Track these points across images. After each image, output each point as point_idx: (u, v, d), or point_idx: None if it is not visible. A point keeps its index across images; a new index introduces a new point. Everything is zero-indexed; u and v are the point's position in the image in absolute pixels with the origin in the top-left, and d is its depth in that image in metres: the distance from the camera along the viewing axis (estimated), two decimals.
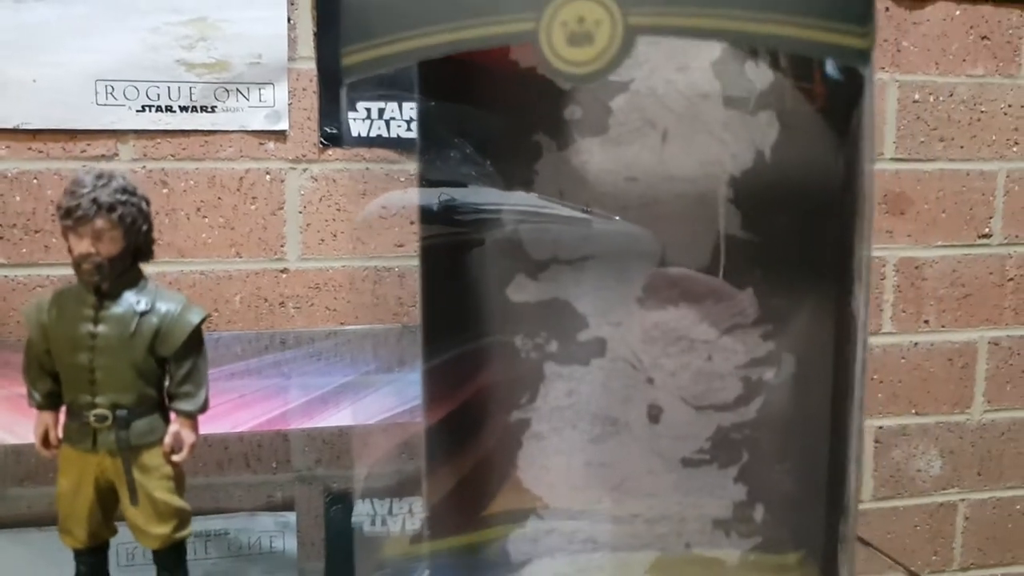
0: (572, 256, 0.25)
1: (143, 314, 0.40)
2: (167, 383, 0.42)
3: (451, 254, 0.28)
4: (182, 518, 0.43)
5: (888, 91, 1.03)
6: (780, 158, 0.24)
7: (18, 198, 0.83)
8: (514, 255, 0.25)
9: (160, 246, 0.86)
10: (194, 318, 0.41)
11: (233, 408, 0.91)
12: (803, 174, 0.24)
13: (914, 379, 1.07)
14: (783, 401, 0.25)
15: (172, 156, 0.86)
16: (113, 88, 0.83)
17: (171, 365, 0.41)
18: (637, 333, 0.25)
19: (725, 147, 0.24)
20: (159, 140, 0.85)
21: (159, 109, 0.84)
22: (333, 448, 0.91)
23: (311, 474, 0.91)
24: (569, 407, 0.26)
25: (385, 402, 0.93)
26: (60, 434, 0.42)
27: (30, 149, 0.83)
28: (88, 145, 0.84)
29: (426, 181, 0.28)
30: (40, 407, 0.42)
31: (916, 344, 1.07)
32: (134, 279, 0.41)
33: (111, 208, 0.39)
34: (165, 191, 0.86)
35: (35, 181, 0.83)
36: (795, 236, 0.24)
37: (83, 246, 0.39)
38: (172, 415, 0.42)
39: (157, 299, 0.41)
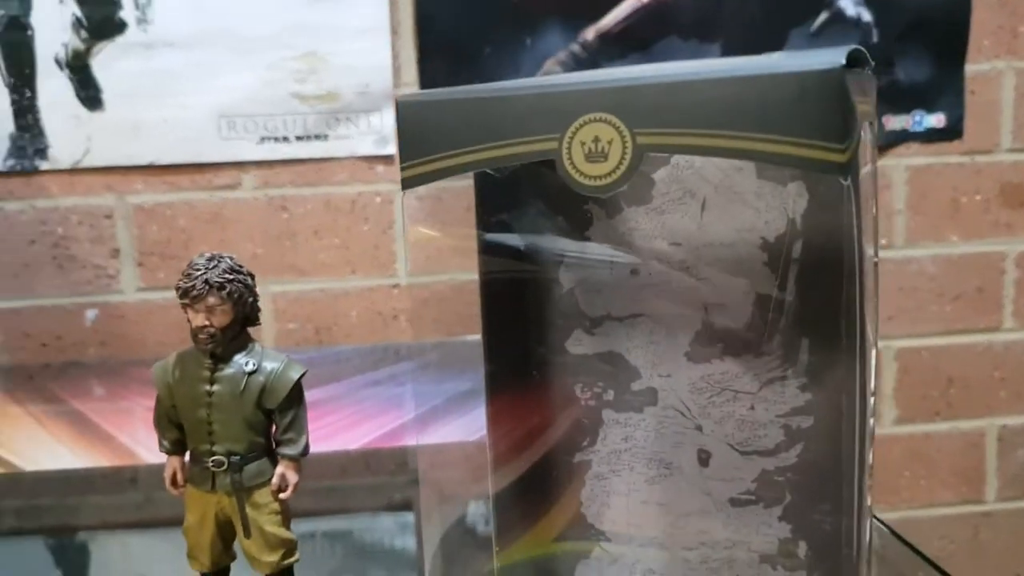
0: (623, 313, 0.27)
1: (251, 373, 0.46)
2: (274, 431, 0.47)
3: (513, 292, 0.31)
4: (289, 547, 0.48)
5: (1005, 79, 0.99)
6: (809, 224, 0.26)
7: (155, 228, 0.91)
8: (571, 312, 0.28)
9: (282, 267, 0.92)
10: (294, 375, 0.46)
11: (357, 421, 0.96)
12: (828, 239, 0.25)
13: None
14: (820, 447, 0.27)
15: (290, 183, 0.91)
16: (235, 123, 0.89)
17: (276, 416, 0.47)
18: (685, 384, 0.28)
19: (759, 215, 0.26)
20: (277, 169, 0.91)
21: (276, 140, 0.90)
22: (445, 454, 0.95)
23: (427, 477, 0.95)
24: (626, 451, 0.28)
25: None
26: (185, 476, 0.48)
27: (163, 183, 0.90)
28: (214, 176, 0.90)
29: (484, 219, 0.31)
30: (168, 453, 0.48)
31: None
32: (244, 343, 0.47)
33: (221, 287, 0.44)
34: (285, 216, 0.92)
35: (168, 212, 0.91)
36: (823, 295, 0.26)
37: (199, 320, 0.45)
38: (279, 459, 0.47)
39: (263, 359, 0.46)
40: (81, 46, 0.86)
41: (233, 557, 0.50)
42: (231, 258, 0.46)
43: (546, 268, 0.29)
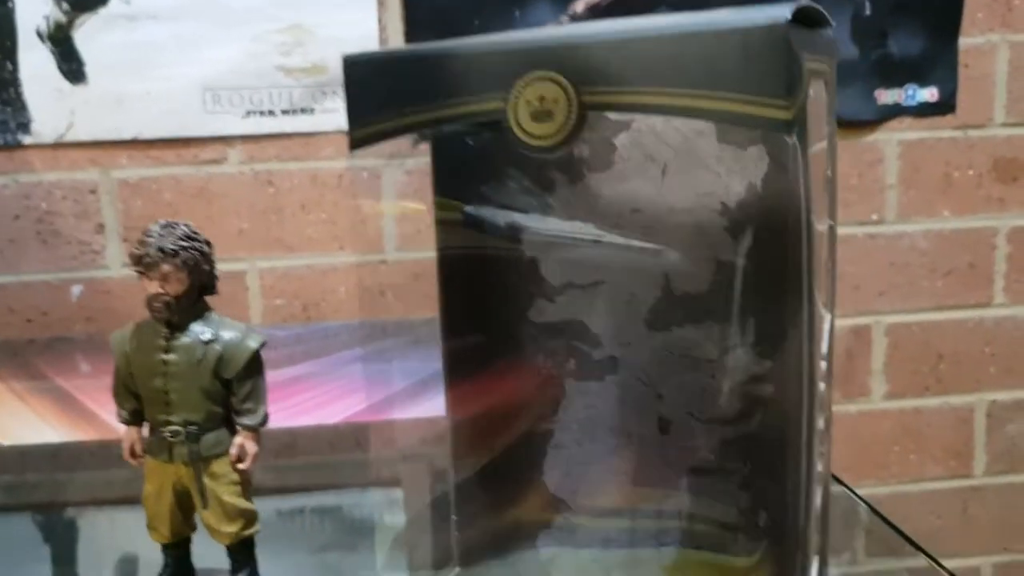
0: (585, 281, 0.27)
1: (208, 343, 0.45)
2: (232, 401, 0.46)
3: (471, 268, 0.31)
4: (248, 518, 0.48)
5: (998, 52, 0.99)
6: (769, 189, 0.25)
7: (140, 203, 0.90)
8: (533, 279, 0.28)
9: (269, 242, 0.92)
10: (252, 344, 0.46)
11: (343, 393, 0.96)
12: (788, 204, 0.25)
13: None
14: (779, 415, 0.27)
15: (276, 158, 0.91)
16: (219, 96, 0.88)
17: (234, 385, 0.46)
18: (646, 352, 0.27)
19: (720, 180, 0.25)
20: (263, 143, 0.90)
21: (262, 113, 0.89)
22: (435, 427, 0.95)
23: (415, 452, 0.95)
24: (588, 420, 0.28)
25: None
26: (143, 446, 0.48)
27: (148, 157, 0.89)
28: (199, 151, 0.90)
29: (441, 193, 0.31)
30: (126, 423, 0.48)
31: None
32: (200, 312, 0.46)
33: (175, 254, 0.44)
34: (271, 190, 0.91)
35: (154, 187, 0.90)
36: (781, 261, 0.25)
37: (153, 287, 0.44)
38: (238, 429, 0.47)
39: (220, 328, 0.46)
40: (63, 18, 0.85)
41: (193, 528, 0.50)
42: (187, 225, 0.46)
43: (507, 237, 0.29)
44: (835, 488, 0.73)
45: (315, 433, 0.92)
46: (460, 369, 0.32)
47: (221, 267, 0.91)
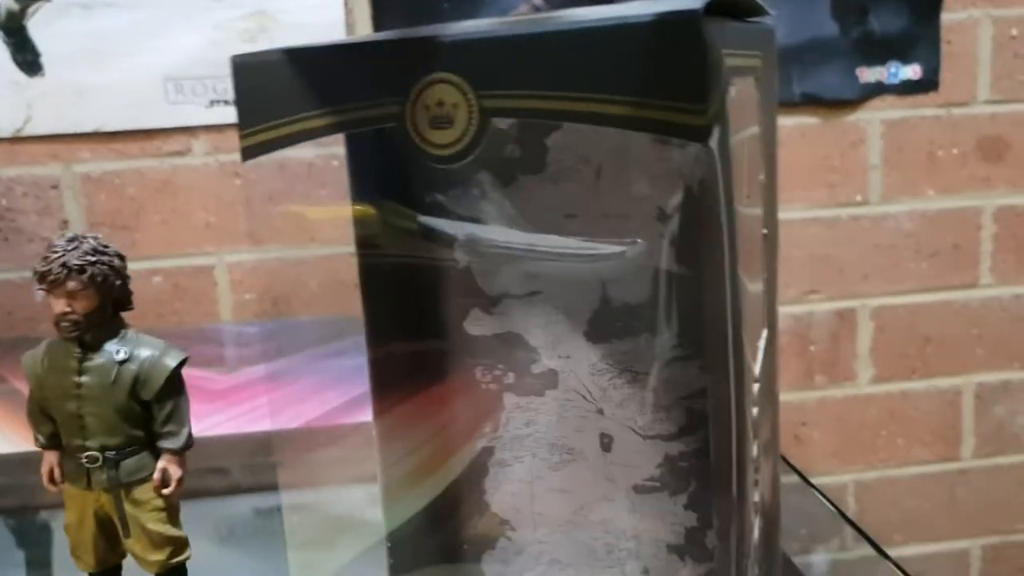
0: (521, 291, 0.25)
1: (123, 362, 0.43)
2: (152, 424, 0.44)
3: (398, 276, 0.29)
4: (177, 545, 0.46)
5: (981, 28, 0.96)
6: (709, 193, 0.23)
7: (104, 197, 0.88)
8: (468, 291, 0.26)
9: (237, 235, 0.89)
10: (171, 362, 0.44)
11: (320, 388, 0.94)
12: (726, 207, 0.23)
13: (1017, 332, 1.02)
14: (722, 431, 0.25)
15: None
16: (182, 86, 0.86)
17: (154, 407, 0.44)
18: (585, 365, 0.25)
19: (656, 183, 0.23)
20: (228, 133, 0.88)
21: (226, 103, 0.87)
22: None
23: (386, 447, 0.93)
24: (529, 436, 0.26)
25: None
26: (62, 472, 0.46)
27: (110, 150, 0.87)
28: (163, 143, 0.87)
29: (359, 198, 0.29)
30: (44, 448, 0.46)
31: (1018, 296, 1.01)
32: (115, 330, 0.44)
33: (81, 270, 0.41)
34: (238, 182, 0.89)
35: (117, 180, 0.88)
36: (721, 269, 0.23)
37: (59, 306, 0.42)
38: (161, 453, 0.45)
39: (136, 347, 0.43)
40: (15, 6, 0.82)
41: (122, 555, 0.47)
42: (95, 238, 0.43)
43: (437, 245, 0.27)
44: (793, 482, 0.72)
45: (291, 433, 0.90)
46: (388, 383, 0.30)
47: (189, 262, 0.89)
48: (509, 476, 0.27)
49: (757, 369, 0.25)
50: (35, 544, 0.71)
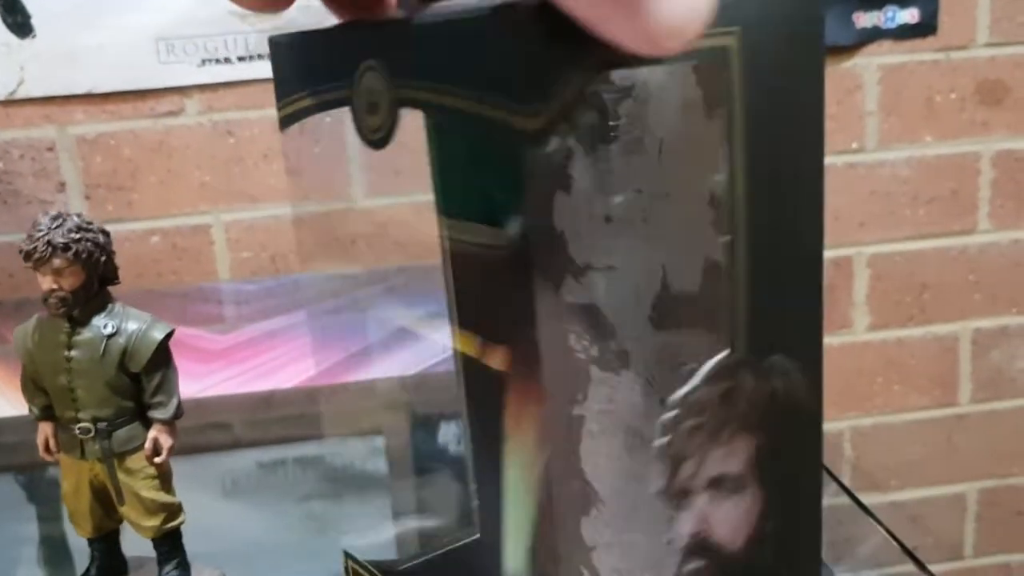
0: (600, 264, 0.25)
1: (111, 336, 0.44)
2: (142, 395, 0.45)
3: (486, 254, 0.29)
4: (171, 511, 0.47)
5: None
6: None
7: (99, 159, 0.88)
8: (559, 256, 0.26)
9: (232, 194, 0.90)
10: (158, 335, 0.45)
11: (318, 347, 0.95)
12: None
13: (1015, 277, 1.02)
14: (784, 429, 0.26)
15: (235, 106, 0.88)
16: (173, 46, 0.86)
17: (143, 379, 0.45)
18: (650, 352, 0.26)
19: (708, 163, 0.23)
20: (221, 92, 0.88)
21: (218, 61, 0.86)
22: (412, 378, 0.94)
23: (397, 400, 0.94)
24: (609, 412, 0.27)
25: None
26: (57, 443, 0.48)
27: (104, 112, 0.87)
28: (156, 103, 0.87)
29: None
30: (39, 419, 0.47)
31: (1016, 241, 1.01)
32: (102, 304, 0.45)
33: (66, 247, 0.42)
34: (231, 141, 0.89)
35: (112, 142, 0.88)
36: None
37: (47, 283, 0.43)
38: (152, 422, 0.46)
39: (124, 321, 0.44)
40: None
41: (119, 521, 0.49)
42: (78, 216, 0.44)
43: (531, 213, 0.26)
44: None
45: (292, 391, 0.91)
46: (475, 339, 0.31)
47: (185, 222, 0.90)
48: (598, 448, 0.27)
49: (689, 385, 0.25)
50: (45, 499, 0.73)
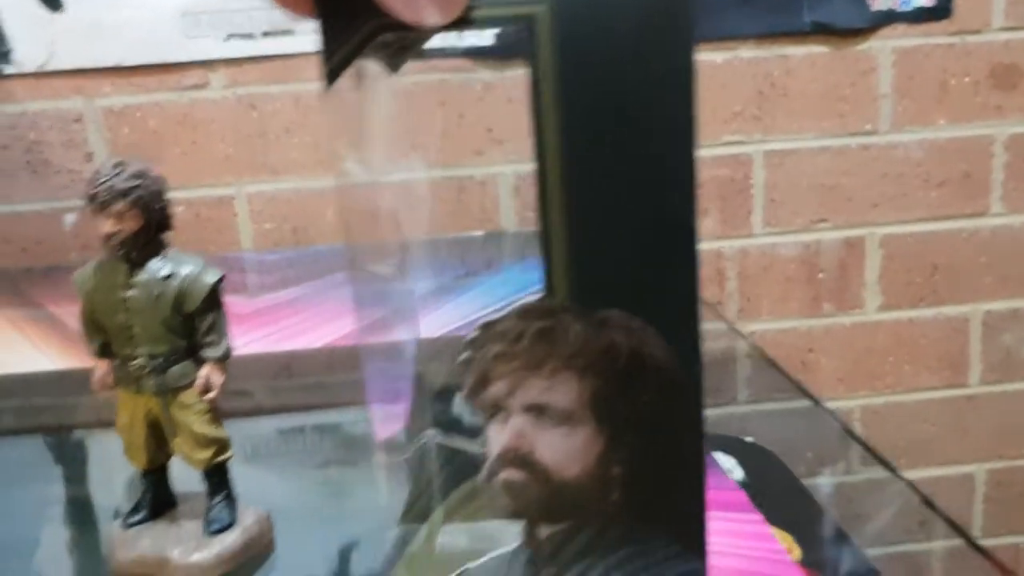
0: None
1: (166, 278, 0.46)
2: (195, 335, 0.47)
3: None
4: (220, 444, 0.50)
5: None
6: None
7: (126, 131, 0.90)
8: None
9: (255, 166, 0.92)
10: (210, 279, 0.47)
11: (337, 315, 0.97)
12: None
13: None
14: None
15: (259, 81, 0.90)
16: (199, 20, 0.88)
17: (196, 320, 0.47)
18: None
19: None
20: (245, 67, 0.90)
21: (242, 36, 0.88)
22: (433, 346, 0.96)
23: (416, 371, 0.96)
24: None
25: (477, 302, 0.97)
26: (113, 378, 0.50)
27: (131, 85, 0.89)
28: (181, 76, 0.89)
29: None
30: (97, 356, 0.49)
31: None
32: (157, 248, 0.47)
33: (126, 193, 0.44)
34: (255, 114, 0.91)
35: (138, 114, 0.90)
36: None
37: (107, 226, 0.45)
38: (204, 360, 0.48)
39: (178, 265, 0.47)
40: None
41: (169, 455, 0.51)
42: (138, 163, 0.46)
43: None
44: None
45: (312, 355, 0.93)
46: None
47: (209, 192, 0.92)
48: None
49: None
50: (72, 460, 0.75)
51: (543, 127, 0.26)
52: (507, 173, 0.93)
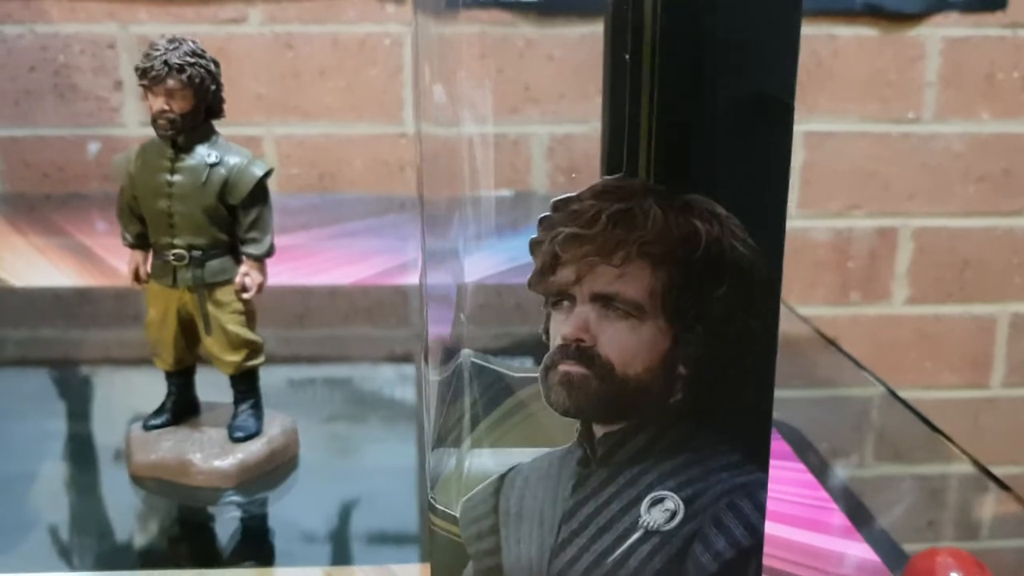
0: None
1: (213, 165, 0.44)
2: (237, 229, 0.45)
3: None
4: (253, 348, 0.48)
5: None
6: None
7: None
8: None
9: (287, 108, 0.90)
10: (258, 171, 0.45)
11: (352, 260, 0.95)
12: None
13: None
14: None
15: (297, 19, 0.89)
16: None
17: (239, 213, 0.45)
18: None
19: None
20: (285, 4, 0.88)
21: None
22: (448, 304, 0.94)
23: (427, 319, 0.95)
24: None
25: (497, 259, 0.96)
26: (147, 271, 0.48)
27: (167, 14, 0.88)
28: (219, 9, 0.88)
29: None
30: (131, 246, 0.48)
31: None
32: (206, 134, 0.45)
33: (181, 69, 0.42)
34: (291, 54, 0.89)
35: None
36: None
37: (158, 103, 0.43)
38: (244, 258, 0.46)
39: (226, 153, 0.45)
40: None
41: (197, 357, 0.49)
42: (194, 42, 0.44)
43: None
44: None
45: (329, 300, 0.91)
46: None
47: (238, 131, 0.90)
48: None
49: None
50: (75, 396, 0.74)
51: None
52: (542, 134, 0.91)
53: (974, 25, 0.94)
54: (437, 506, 0.32)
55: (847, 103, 0.95)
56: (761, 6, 0.26)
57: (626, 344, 0.28)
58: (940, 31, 0.94)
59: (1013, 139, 0.98)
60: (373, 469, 0.53)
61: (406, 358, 0.89)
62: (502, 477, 0.31)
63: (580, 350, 0.28)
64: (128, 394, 0.69)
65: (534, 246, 0.28)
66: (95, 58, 0.88)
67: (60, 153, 0.90)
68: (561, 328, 0.29)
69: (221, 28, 0.88)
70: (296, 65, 0.89)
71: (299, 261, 0.87)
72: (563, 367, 0.29)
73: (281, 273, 0.88)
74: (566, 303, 0.28)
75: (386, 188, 0.94)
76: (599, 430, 0.29)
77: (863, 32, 0.94)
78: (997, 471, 1.06)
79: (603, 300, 0.28)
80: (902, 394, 1.03)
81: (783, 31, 0.27)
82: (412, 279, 0.93)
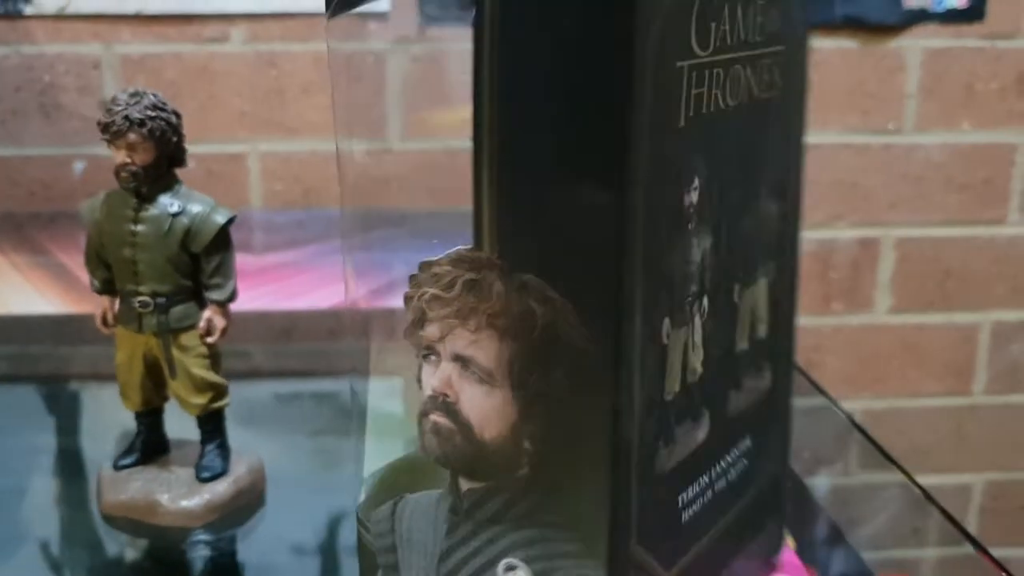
0: None
1: (175, 215, 0.45)
2: (200, 275, 0.46)
3: None
4: (217, 391, 0.49)
5: None
6: None
7: (143, 79, 0.89)
8: None
9: (271, 125, 0.91)
10: (220, 219, 0.46)
11: (343, 278, 0.96)
12: None
13: None
14: None
15: (279, 38, 0.89)
16: None
17: (202, 260, 0.46)
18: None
19: None
20: (267, 22, 0.89)
21: None
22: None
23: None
24: None
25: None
26: (115, 315, 0.49)
27: (151, 33, 0.88)
28: (202, 28, 0.88)
29: None
30: (99, 292, 0.49)
31: None
32: (169, 184, 0.46)
33: (142, 123, 0.43)
34: (274, 72, 0.90)
35: (156, 63, 0.89)
36: None
37: (120, 157, 0.44)
38: (207, 303, 0.47)
39: (188, 202, 0.46)
40: None
41: (165, 398, 0.50)
42: (155, 95, 0.45)
43: None
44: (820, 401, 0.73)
45: (314, 318, 0.92)
46: None
47: (222, 148, 0.91)
48: None
49: None
50: (65, 412, 0.74)
51: (482, 85, 0.26)
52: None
53: (953, 36, 0.95)
54: (359, 515, 0.34)
55: (828, 114, 0.95)
56: (596, 109, 0.26)
57: (482, 407, 0.29)
58: (920, 43, 0.95)
59: (993, 149, 0.98)
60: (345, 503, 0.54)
61: (395, 372, 0.89)
62: (395, 503, 0.32)
63: (446, 404, 0.29)
64: (115, 410, 0.70)
65: (407, 300, 0.30)
66: (80, 77, 0.89)
67: (46, 171, 0.91)
68: (430, 380, 0.30)
69: (204, 47, 0.89)
70: (280, 83, 0.90)
71: (288, 281, 0.88)
72: (432, 417, 0.30)
73: (273, 293, 0.89)
74: (433, 357, 0.30)
75: (373, 202, 0.94)
76: (464, 484, 0.30)
77: (843, 44, 0.94)
78: (981, 477, 1.07)
79: (462, 362, 0.29)
80: (885, 404, 1.05)
81: (610, 132, 0.26)
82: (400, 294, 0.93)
